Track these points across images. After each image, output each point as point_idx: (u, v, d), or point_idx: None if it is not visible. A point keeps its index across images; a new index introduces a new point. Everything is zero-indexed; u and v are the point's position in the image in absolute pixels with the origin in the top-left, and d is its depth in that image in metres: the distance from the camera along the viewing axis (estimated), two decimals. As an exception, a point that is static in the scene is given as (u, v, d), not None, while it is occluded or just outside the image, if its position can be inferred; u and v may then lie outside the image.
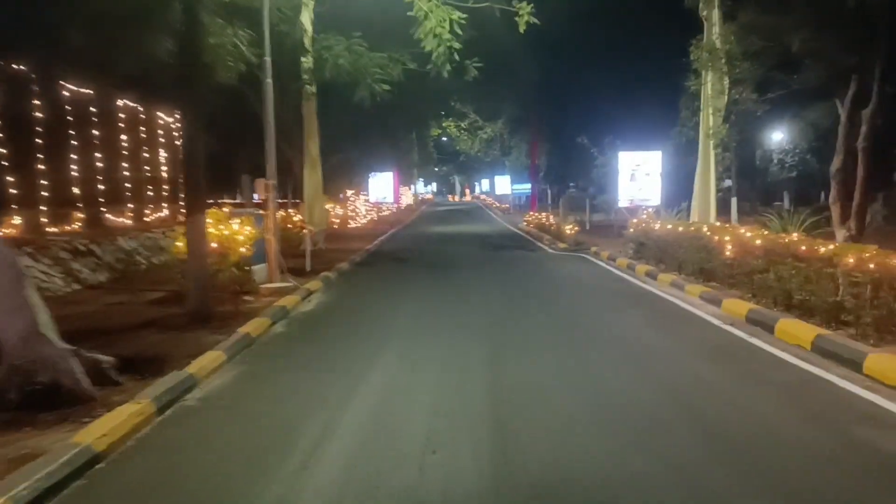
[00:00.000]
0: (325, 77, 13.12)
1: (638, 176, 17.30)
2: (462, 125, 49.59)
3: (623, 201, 17.63)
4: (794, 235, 8.74)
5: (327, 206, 21.28)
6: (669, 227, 12.84)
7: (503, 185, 53.08)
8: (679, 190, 19.10)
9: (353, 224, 30.33)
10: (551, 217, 27.11)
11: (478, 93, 44.36)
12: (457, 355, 7.35)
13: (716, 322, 8.91)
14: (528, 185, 44.67)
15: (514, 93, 34.76)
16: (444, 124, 54.71)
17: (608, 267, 15.41)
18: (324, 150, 17.22)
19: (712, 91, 12.81)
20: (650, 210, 16.46)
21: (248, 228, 10.95)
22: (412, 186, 65.25)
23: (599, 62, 23.43)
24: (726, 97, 12.85)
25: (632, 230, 15.88)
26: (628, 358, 7.17)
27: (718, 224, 10.95)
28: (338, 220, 20.83)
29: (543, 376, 6.49)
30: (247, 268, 11.60)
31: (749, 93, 11.30)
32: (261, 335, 8.47)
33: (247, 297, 11.02)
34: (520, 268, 15.79)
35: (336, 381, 6.39)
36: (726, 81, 12.60)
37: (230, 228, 10.79)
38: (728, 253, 10.05)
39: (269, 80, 11.75)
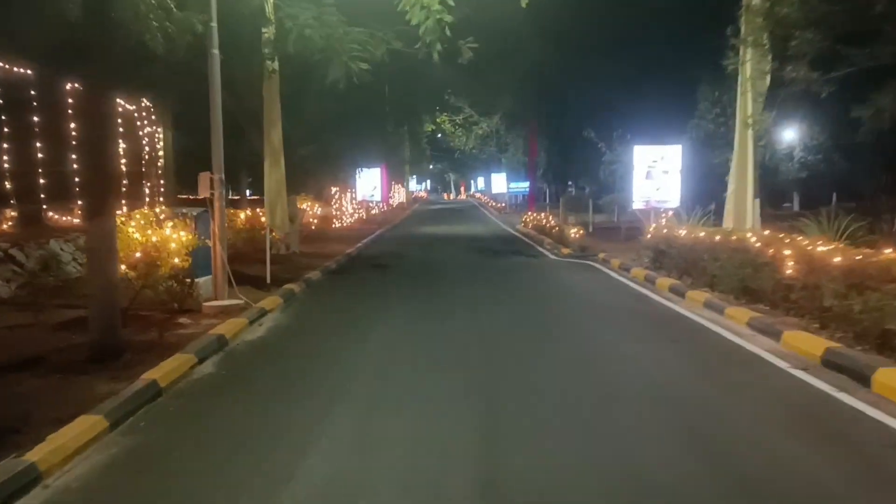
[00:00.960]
0: (289, 50, 10.93)
1: (655, 174, 15.17)
2: (456, 120, 47.39)
3: (637, 202, 15.51)
4: (890, 251, 6.61)
5: (304, 206, 19.12)
6: (702, 234, 10.71)
7: (499, 183, 50.92)
8: (695, 190, 17.01)
9: (337, 224, 28.15)
10: (551, 218, 25.02)
11: (473, 86, 42.28)
12: (436, 422, 5.20)
13: (780, 364, 6.77)
14: (526, 184, 42.56)
15: (511, 85, 32.52)
16: (437, 120, 52.55)
17: (621, 278, 13.29)
18: (296, 140, 15.08)
19: (754, 71, 10.68)
20: (670, 213, 14.34)
21: (183, 234, 8.78)
22: (403, 184, 63.01)
23: (606, 49, 21.28)
24: (768, 79, 10.72)
25: (649, 236, 13.77)
26: (677, 428, 5.04)
27: (769, 233, 8.85)
28: (315, 220, 18.71)
29: (562, 466, 4.35)
30: (188, 280, 9.47)
31: (807, 70, 9.20)
32: (175, 382, 6.29)
33: (183, 320, 8.87)
34: (519, 279, 13.64)
35: (246, 482, 4.22)
36: (769, 60, 10.47)
37: (160, 234, 8.62)
38: (790, 271, 7.92)
39: (216, 51, 9.62)
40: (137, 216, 8.63)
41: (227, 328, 8.12)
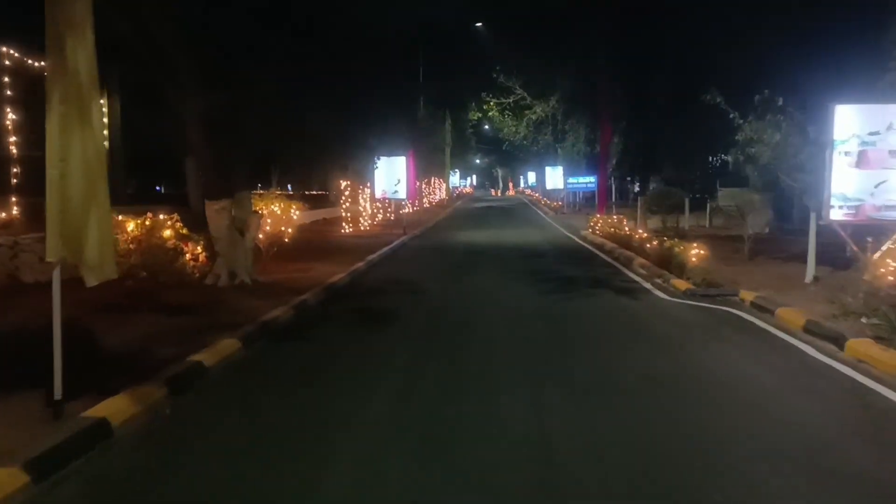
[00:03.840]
0: None
1: (874, 157, 8.24)
2: (506, 102, 40.42)
3: (838, 210, 8.59)
4: None
5: (274, 207, 12.67)
6: None
7: (555, 177, 43.74)
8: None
9: (348, 229, 21.70)
10: (626, 221, 18.24)
11: (526, 62, 35.43)
12: None
13: None
14: (590, 178, 35.52)
15: (576, 55, 25.67)
16: (484, 106, 45.65)
17: (839, 367, 6.47)
18: (202, 75, 8.75)
19: None
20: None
21: None
22: (442, 179, 56.14)
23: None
24: None
25: (878, 274, 6.87)
26: None
27: None
28: (289, 229, 12.26)
29: None
30: None
31: None
32: None
33: None
34: (625, 360, 6.78)
35: None
36: None
37: None
38: None
39: None
40: None
41: None
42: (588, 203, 41.67)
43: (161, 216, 8.82)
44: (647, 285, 11.66)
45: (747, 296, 10.02)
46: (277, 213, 12.65)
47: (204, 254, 8.82)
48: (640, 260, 14.13)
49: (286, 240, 12.82)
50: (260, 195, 13.02)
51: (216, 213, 10.54)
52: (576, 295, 10.80)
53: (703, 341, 7.63)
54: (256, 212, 11.12)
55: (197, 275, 8.71)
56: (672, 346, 7.39)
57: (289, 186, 35.12)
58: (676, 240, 13.14)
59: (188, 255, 8.43)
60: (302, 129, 11.67)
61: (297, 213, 12.94)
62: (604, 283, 11.99)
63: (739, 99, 13.10)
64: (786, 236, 18.10)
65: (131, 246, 8.29)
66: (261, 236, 12.37)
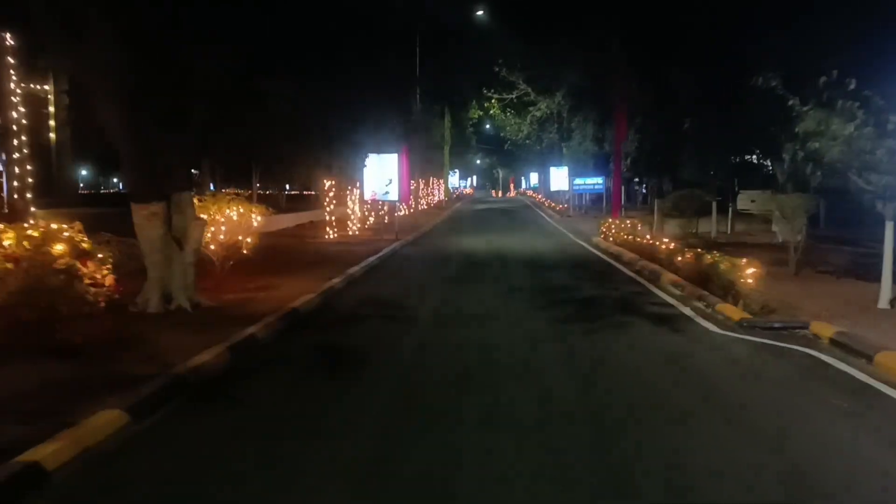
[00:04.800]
0: None
1: None
2: (508, 98, 38.15)
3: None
4: None
5: (231, 213, 10.41)
6: None
7: (559, 178, 41.45)
8: None
9: (331, 235, 19.40)
10: (650, 231, 16.06)
11: (531, 55, 33.32)
12: None
13: None
14: (598, 180, 33.33)
15: (586, 43, 23.43)
16: (486, 103, 43.44)
17: None
18: None
19: None
20: None
21: None
22: (440, 179, 53.75)
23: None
24: None
25: None
26: None
27: None
28: (248, 239, 10.05)
29: None
30: None
31: None
32: None
33: None
34: (707, 461, 4.49)
35: None
36: None
37: None
38: None
39: None
40: None
41: None
42: (595, 205, 39.47)
43: (53, 225, 6.56)
44: (687, 311, 9.40)
45: (823, 330, 7.80)
46: (234, 219, 10.40)
47: (111, 275, 6.60)
48: (670, 276, 11.89)
49: (245, 251, 10.57)
50: (213, 196, 10.79)
51: (146, 219, 8.32)
52: (601, 326, 8.52)
53: (801, 412, 5.34)
54: (200, 217, 8.86)
55: (102, 303, 6.49)
56: (762, 426, 5.04)
57: (275, 187, 32.89)
58: (716, 253, 10.87)
59: (86, 279, 6.20)
60: (264, 118, 9.45)
61: (260, 217, 10.66)
62: (632, 307, 9.72)
63: (793, 83, 10.83)
64: (820, 244, 16.08)
65: (9, 266, 6.06)
66: (213, 247, 10.15)
